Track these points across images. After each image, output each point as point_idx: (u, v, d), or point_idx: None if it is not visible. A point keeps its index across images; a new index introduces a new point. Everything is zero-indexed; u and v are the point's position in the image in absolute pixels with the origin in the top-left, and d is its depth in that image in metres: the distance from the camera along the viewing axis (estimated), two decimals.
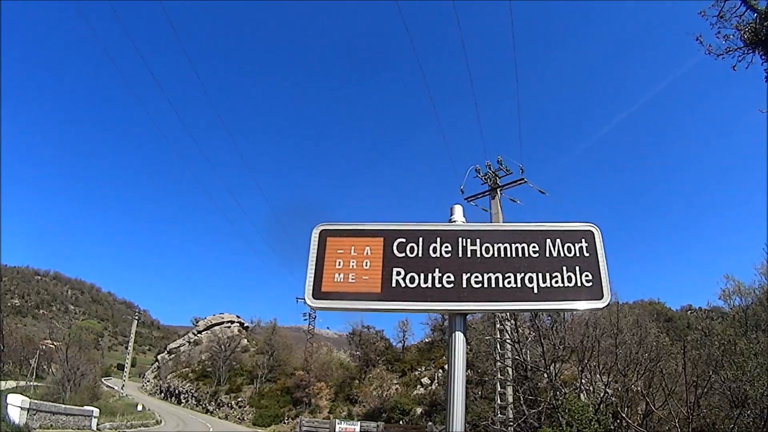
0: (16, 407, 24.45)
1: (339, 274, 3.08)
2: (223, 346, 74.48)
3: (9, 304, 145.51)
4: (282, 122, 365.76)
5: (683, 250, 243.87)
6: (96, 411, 34.19)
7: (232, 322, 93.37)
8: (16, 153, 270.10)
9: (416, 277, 3.02)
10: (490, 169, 29.83)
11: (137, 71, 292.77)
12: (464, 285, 2.99)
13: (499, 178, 29.71)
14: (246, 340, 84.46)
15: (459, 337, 2.90)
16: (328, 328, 76.98)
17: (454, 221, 3.29)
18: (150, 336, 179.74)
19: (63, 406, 33.01)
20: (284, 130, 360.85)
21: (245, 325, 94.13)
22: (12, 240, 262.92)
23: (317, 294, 3.06)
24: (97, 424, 33.29)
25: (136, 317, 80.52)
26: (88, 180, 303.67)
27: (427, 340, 54.44)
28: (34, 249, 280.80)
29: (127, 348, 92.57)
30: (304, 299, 3.06)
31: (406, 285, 3.01)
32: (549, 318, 22.14)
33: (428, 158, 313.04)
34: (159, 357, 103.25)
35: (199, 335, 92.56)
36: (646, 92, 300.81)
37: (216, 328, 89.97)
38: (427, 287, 3.00)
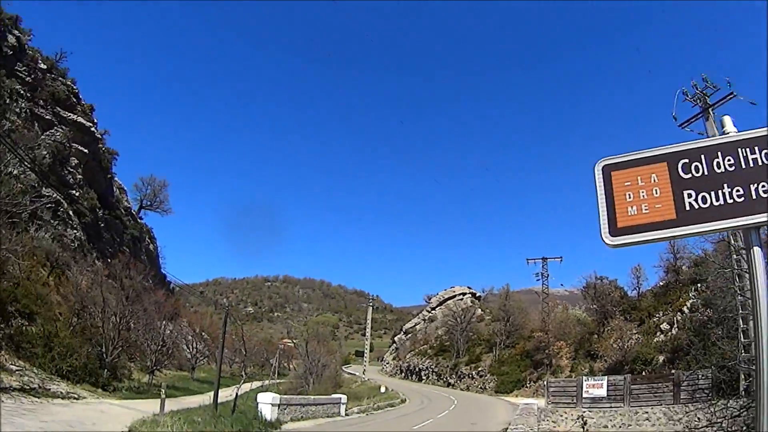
0: (267, 404, 26.32)
1: (632, 207, 3.13)
2: (458, 319, 75.58)
3: (243, 312, 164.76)
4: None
5: None
6: (344, 397, 35.66)
7: (464, 293, 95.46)
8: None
9: (707, 196, 3.01)
10: (696, 88, 27.51)
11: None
12: (754, 196, 2.92)
13: (708, 96, 27.27)
14: (480, 309, 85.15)
15: (757, 253, 2.83)
16: (561, 285, 74.12)
17: (727, 133, 3.18)
18: (384, 320, 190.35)
19: (311, 397, 35.40)
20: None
21: (477, 294, 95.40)
22: (239, 255, 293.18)
23: (614, 231, 3.13)
24: (346, 410, 34.61)
25: (371, 303, 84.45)
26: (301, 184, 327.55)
27: (661, 284, 50.87)
28: (263, 260, 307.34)
29: (363, 335, 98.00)
30: (602, 239, 3.15)
31: (700, 206, 3.02)
32: None
33: None
34: (396, 338, 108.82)
35: (432, 312, 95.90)
36: None
37: (449, 302, 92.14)
38: (719, 205, 2.98)
